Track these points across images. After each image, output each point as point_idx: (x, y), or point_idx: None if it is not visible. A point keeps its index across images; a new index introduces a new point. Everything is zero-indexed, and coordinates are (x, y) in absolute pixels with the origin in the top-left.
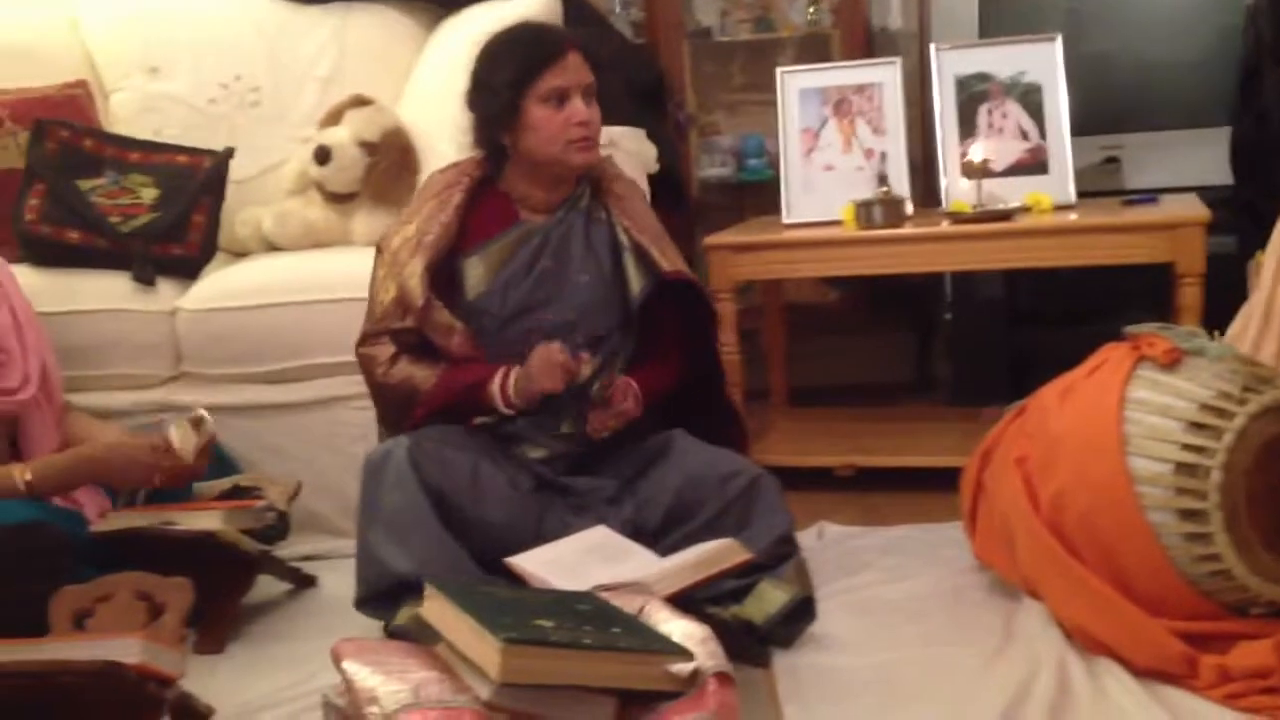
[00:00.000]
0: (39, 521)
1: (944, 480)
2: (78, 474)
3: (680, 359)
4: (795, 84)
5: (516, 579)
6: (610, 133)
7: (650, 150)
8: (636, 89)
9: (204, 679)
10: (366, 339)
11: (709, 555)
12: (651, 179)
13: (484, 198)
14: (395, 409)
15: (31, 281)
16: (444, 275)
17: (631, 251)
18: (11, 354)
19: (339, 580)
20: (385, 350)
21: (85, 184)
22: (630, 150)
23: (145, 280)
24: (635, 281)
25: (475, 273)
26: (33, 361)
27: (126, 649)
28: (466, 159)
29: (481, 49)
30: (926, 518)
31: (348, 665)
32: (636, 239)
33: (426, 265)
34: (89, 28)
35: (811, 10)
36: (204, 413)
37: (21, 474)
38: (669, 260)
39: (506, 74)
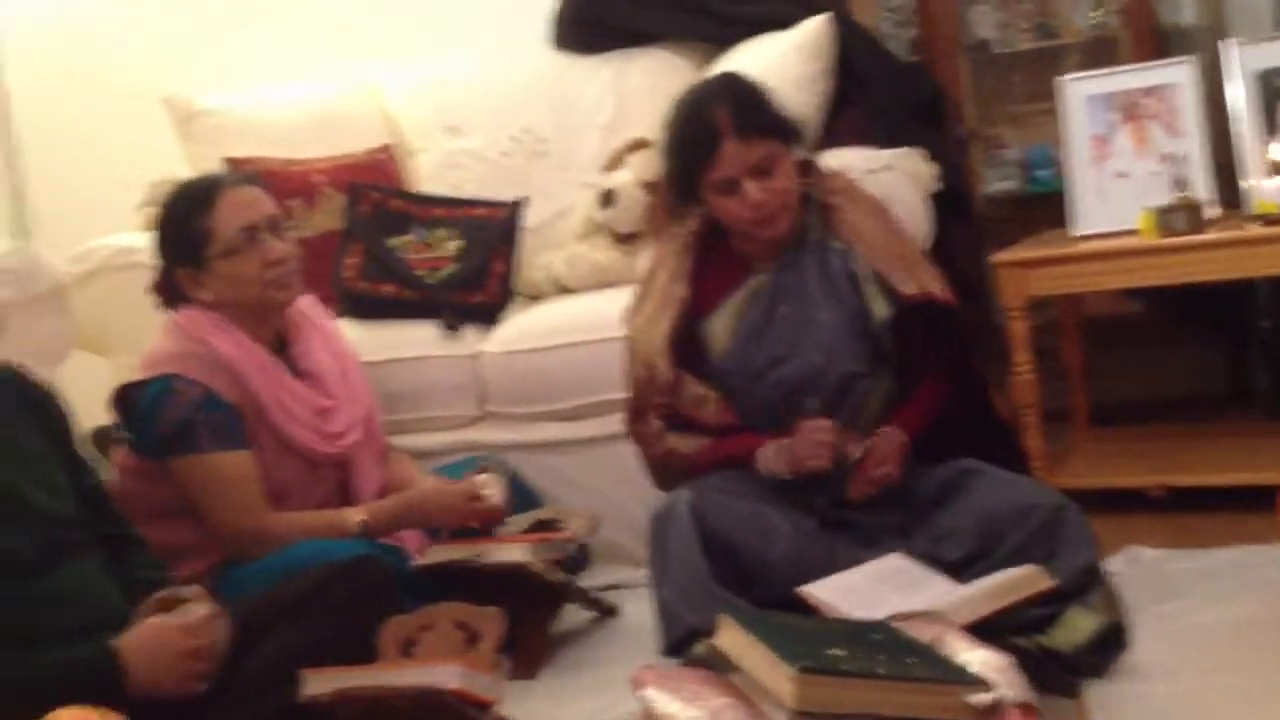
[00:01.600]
0: (368, 557)
1: (1264, 499)
2: (403, 518)
3: (941, 384)
4: (1079, 91)
5: (809, 610)
6: (885, 155)
7: (929, 169)
8: (913, 107)
9: (519, 703)
10: (632, 417)
11: (1010, 583)
12: (934, 198)
13: (713, 257)
14: (667, 480)
15: (352, 334)
16: (688, 345)
17: (870, 279)
18: (339, 402)
19: (639, 609)
20: (652, 426)
21: (395, 241)
22: (907, 171)
23: (451, 328)
24: (879, 310)
25: (717, 335)
26: (357, 408)
27: (447, 675)
28: (689, 221)
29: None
30: (1246, 539)
31: (649, 692)
32: (874, 265)
33: (669, 341)
34: (391, 95)
35: (1096, 13)
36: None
37: (355, 517)
38: (916, 281)
39: (676, 166)
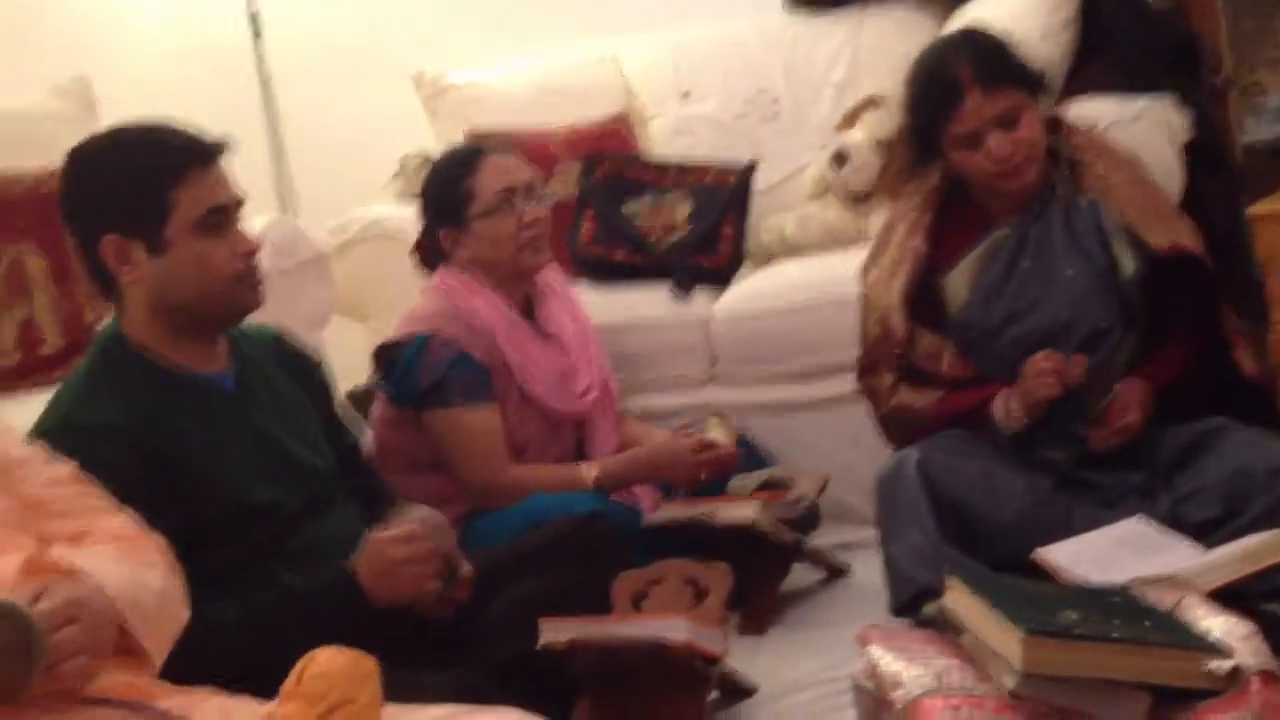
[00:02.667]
0: (599, 513)
1: None
2: (635, 473)
3: (1189, 342)
4: None
5: (1042, 573)
6: (1134, 105)
7: (1181, 119)
8: (1164, 54)
9: (747, 659)
10: (864, 370)
11: (1260, 548)
12: (1186, 149)
13: (952, 212)
14: (899, 435)
15: (586, 298)
16: (925, 299)
17: (1119, 233)
18: (580, 363)
19: (868, 568)
20: (884, 380)
21: (628, 207)
22: (1158, 121)
23: (683, 291)
24: (1127, 265)
25: (955, 290)
26: (596, 370)
27: (676, 628)
28: (928, 177)
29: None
30: None
31: (873, 650)
32: (1123, 219)
33: (904, 296)
34: (627, 62)
35: None
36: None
37: (589, 472)
38: (1167, 235)
39: (918, 122)
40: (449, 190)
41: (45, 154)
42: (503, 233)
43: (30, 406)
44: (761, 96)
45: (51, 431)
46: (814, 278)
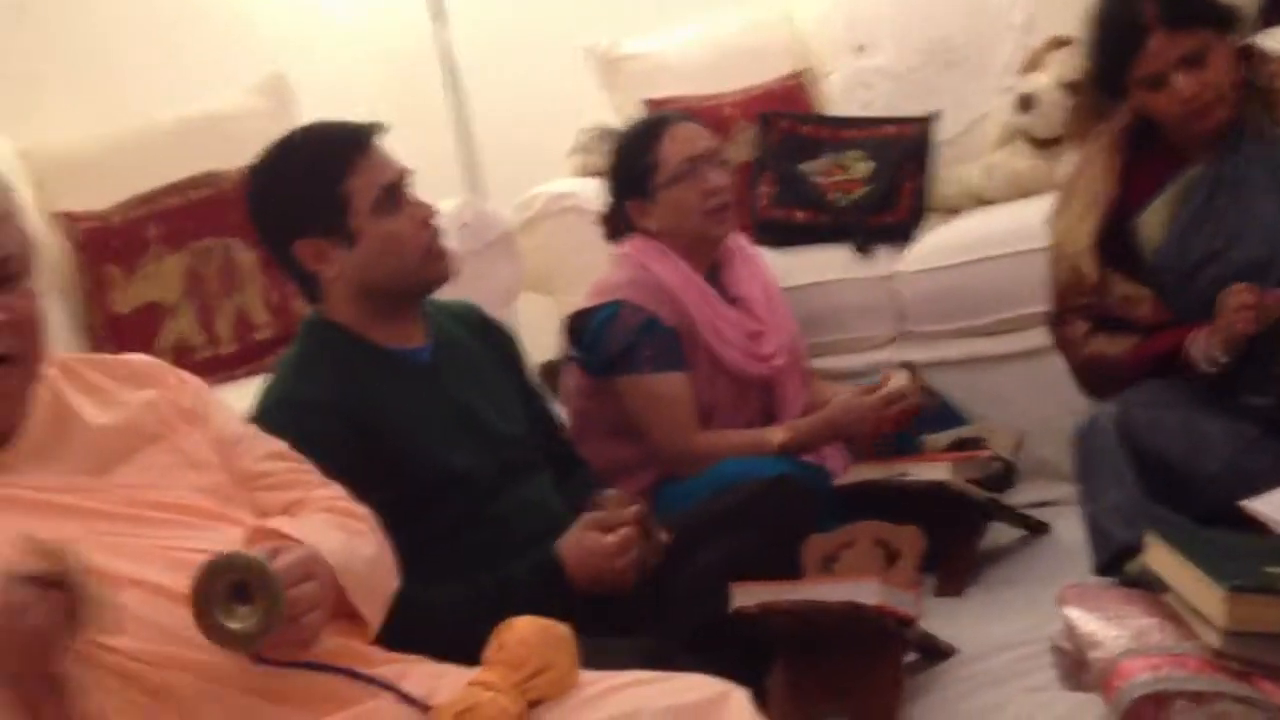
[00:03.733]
0: (789, 476)
1: None
2: (821, 434)
3: None
4: None
5: (1253, 526)
6: None
7: None
8: None
9: (944, 621)
10: (1056, 320)
11: None
12: None
13: (1143, 153)
14: (1094, 385)
15: (769, 261)
16: (1117, 244)
17: None
18: (767, 326)
19: (1070, 526)
20: (1077, 329)
21: (806, 166)
22: None
23: (864, 249)
24: None
25: (1149, 232)
26: (783, 333)
27: (869, 591)
28: (1117, 117)
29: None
30: None
31: (1071, 611)
32: None
33: (1095, 241)
34: (799, 20)
35: None
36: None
37: (774, 436)
38: None
39: (1100, 64)
40: (634, 161)
41: (249, 151)
42: (688, 201)
43: (247, 391)
44: (938, 45)
45: (265, 411)
46: (1003, 228)
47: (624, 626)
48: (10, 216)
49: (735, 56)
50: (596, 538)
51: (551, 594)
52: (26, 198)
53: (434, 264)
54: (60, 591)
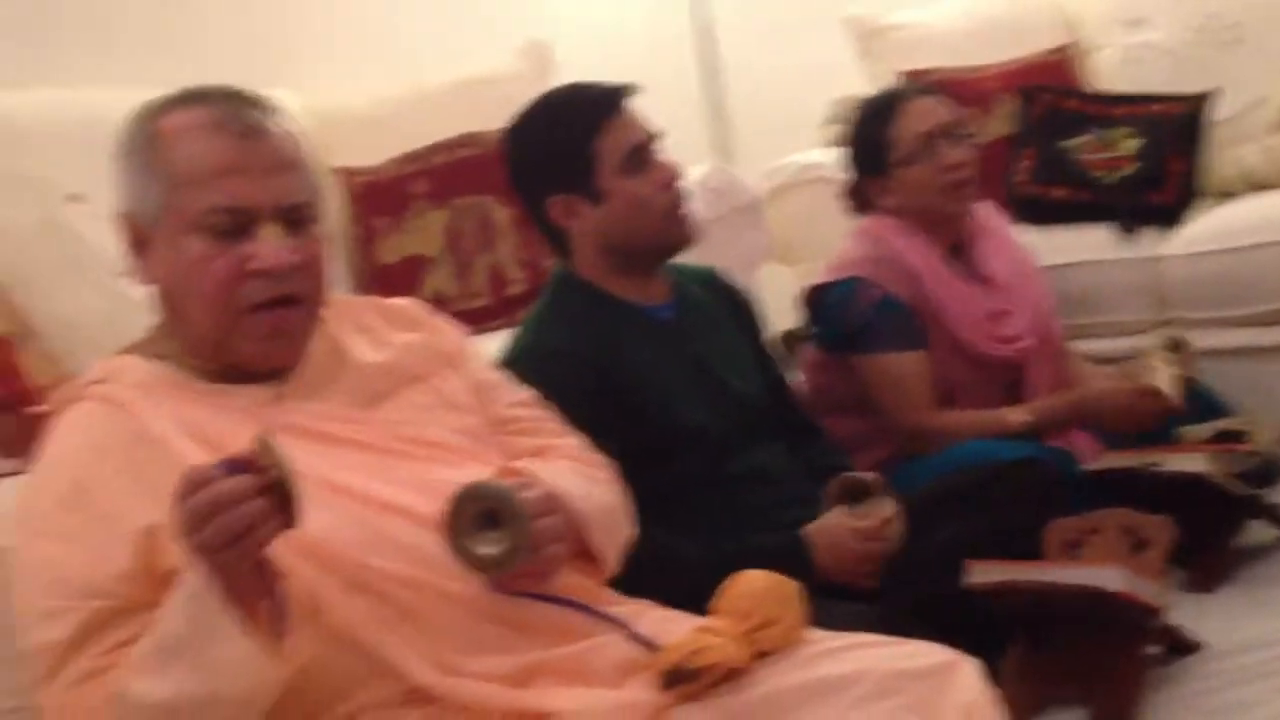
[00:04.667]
0: (1033, 458)
1: None
2: (1068, 417)
3: None
4: None
5: None
6: None
7: None
8: None
9: (1193, 616)
10: None
11: None
12: None
13: None
14: None
15: (1025, 239)
16: None
17: None
18: (1013, 306)
19: None
20: None
21: (1069, 142)
22: None
23: (1128, 230)
24: None
25: None
26: (1032, 314)
27: (1112, 577)
28: None
29: None
30: None
31: None
32: None
33: None
34: None
35: None
36: (1183, 337)
37: (1013, 416)
38: None
39: None
40: (869, 139)
41: (510, 113)
42: (925, 178)
43: (499, 341)
44: (1216, 21)
45: (514, 360)
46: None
47: (856, 593)
48: (303, 165)
49: (1000, 28)
50: (852, 534)
51: (792, 574)
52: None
53: (675, 226)
54: (269, 482)
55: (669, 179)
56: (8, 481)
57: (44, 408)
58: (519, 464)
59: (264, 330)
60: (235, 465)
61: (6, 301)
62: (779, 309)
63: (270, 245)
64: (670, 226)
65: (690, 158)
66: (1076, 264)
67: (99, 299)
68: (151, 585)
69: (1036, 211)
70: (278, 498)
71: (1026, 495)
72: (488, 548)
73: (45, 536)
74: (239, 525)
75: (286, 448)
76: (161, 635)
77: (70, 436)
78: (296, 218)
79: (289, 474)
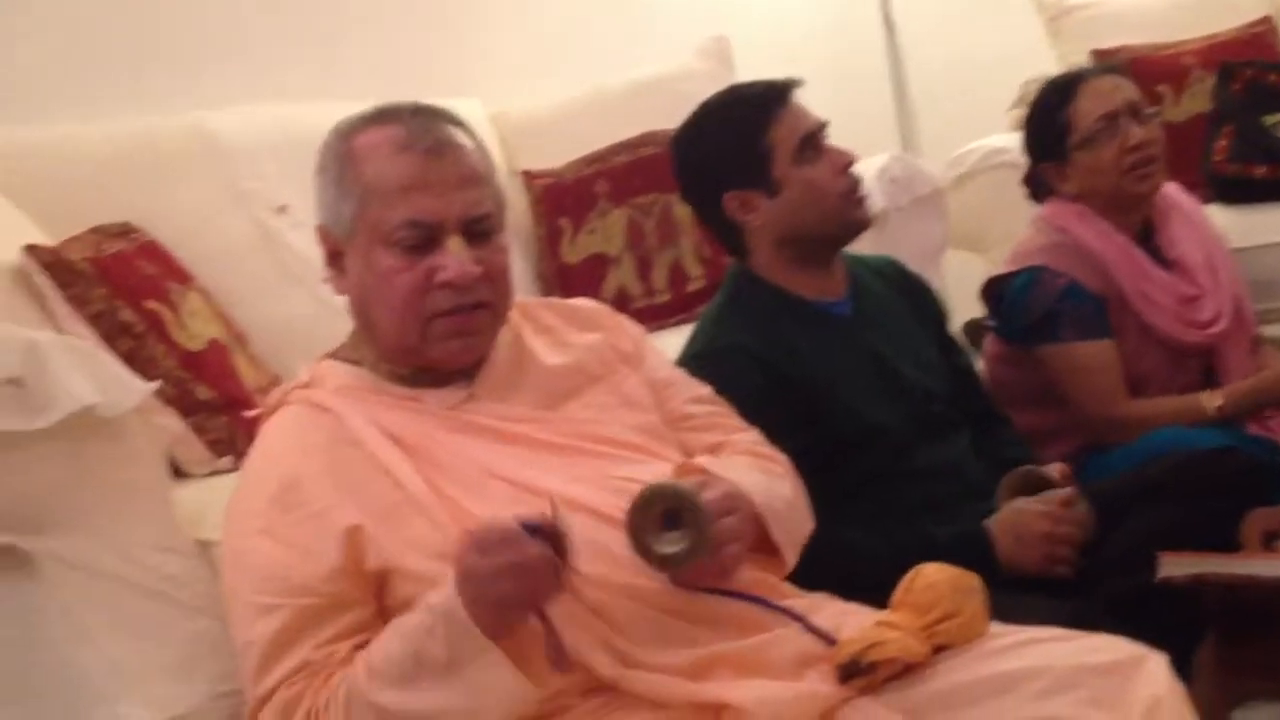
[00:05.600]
0: (1230, 447)
1: None
2: (1264, 400)
3: None
4: None
5: None
6: None
7: None
8: None
9: None
10: None
11: None
12: None
13: None
14: None
15: (1220, 219)
16: None
17: None
18: (1206, 290)
19: None
20: None
21: (1271, 119)
22: None
23: None
24: None
25: None
26: (1226, 297)
27: None
28: None
29: None
30: None
31: None
32: None
33: None
34: None
35: None
36: None
37: (1211, 401)
38: None
39: None
40: (1047, 123)
41: (689, 111)
42: (1105, 160)
43: (678, 338)
44: None
45: (691, 357)
46: None
47: (1043, 587)
48: (490, 178)
49: (1195, 3)
50: (1034, 526)
51: (973, 568)
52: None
53: (853, 209)
54: (553, 541)
55: (844, 164)
56: (221, 480)
57: (255, 411)
58: (699, 461)
59: (449, 330)
60: (533, 527)
61: (222, 308)
62: (964, 299)
63: (455, 258)
64: (847, 210)
65: (874, 148)
66: (1273, 245)
67: (305, 306)
68: (356, 583)
69: (1235, 190)
70: (560, 552)
71: (1224, 484)
72: (669, 546)
73: (257, 534)
74: (536, 587)
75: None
76: (411, 652)
77: (279, 438)
78: (481, 229)
79: (569, 541)
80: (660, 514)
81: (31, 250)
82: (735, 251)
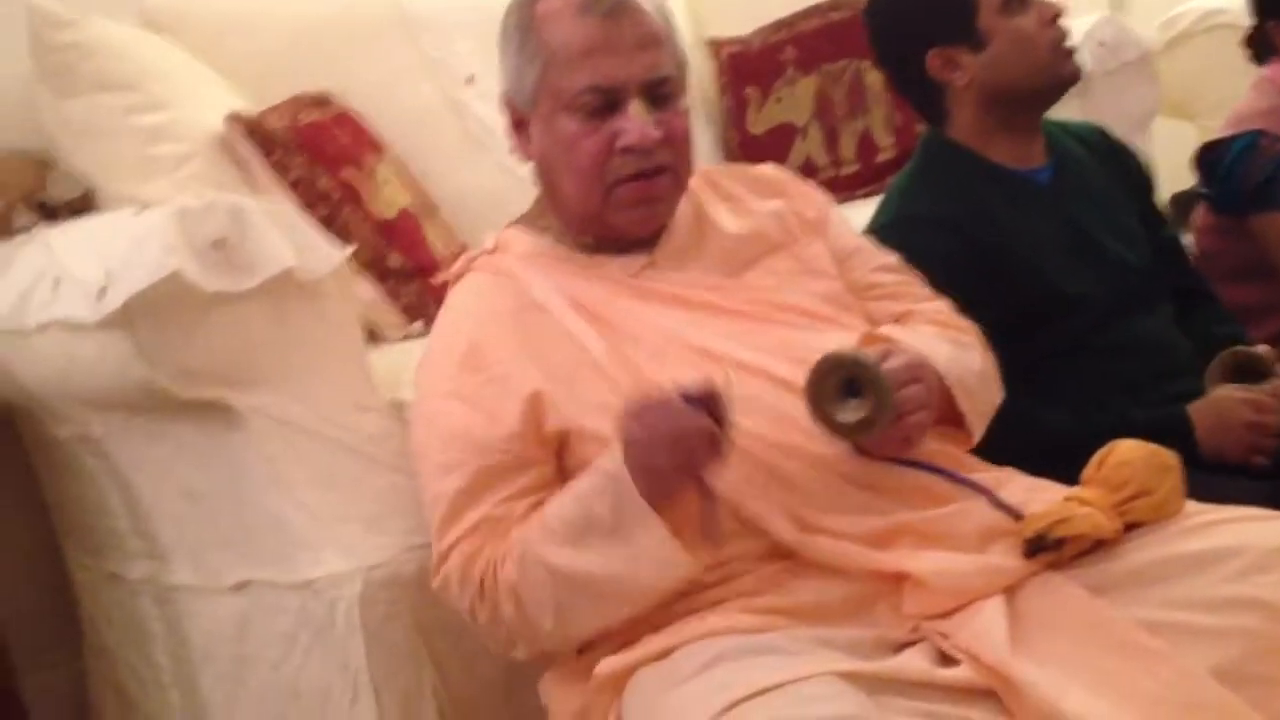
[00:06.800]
0: None
1: None
2: None
3: None
4: None
5: None
6: None
7: None
8: None
9: None
10: None
11: None
12: None
13: None
14: None
15: None
16: None
17: None
18: None
19: None
20: None
21: None
22: None
23: None
24: None
25: None
26: None
27: None
28: None
29: None
30: None
31: None
32: None
33: None
34: None
35: None
36: None
37: None
38: None
39: None
40: None
41: None
42: None
43: (865, 210)
44: None
45: (881, 225)
46: None
47: (1242, 472)
48: (670, 39)
49: None
50: (1238, 414)
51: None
52: (682, 24)
53: (1062, 61)
54: (713, 410)
55: (1051, 14)
56: (414, 344)
57: (443, 276)
58: (884, 330)
59: (632, 198)
60: (693, 398)
61: (413, 177)
62: (1174, 168)
63: (636, 122)
64: (1056, 62)
65: (1081, 8)
66: None
67: (492, 175)
68: (536, 444)
69: None
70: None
71: None
72: (848, 415)
73: (445, 395)
74: (692, 457)
75: (731, 392)
76: (582, 513)
77: (466, 303)
78: (662, 92)
79: (730, 416)
80: (840, 382)
81: (234, 119)
82: (933, 118)
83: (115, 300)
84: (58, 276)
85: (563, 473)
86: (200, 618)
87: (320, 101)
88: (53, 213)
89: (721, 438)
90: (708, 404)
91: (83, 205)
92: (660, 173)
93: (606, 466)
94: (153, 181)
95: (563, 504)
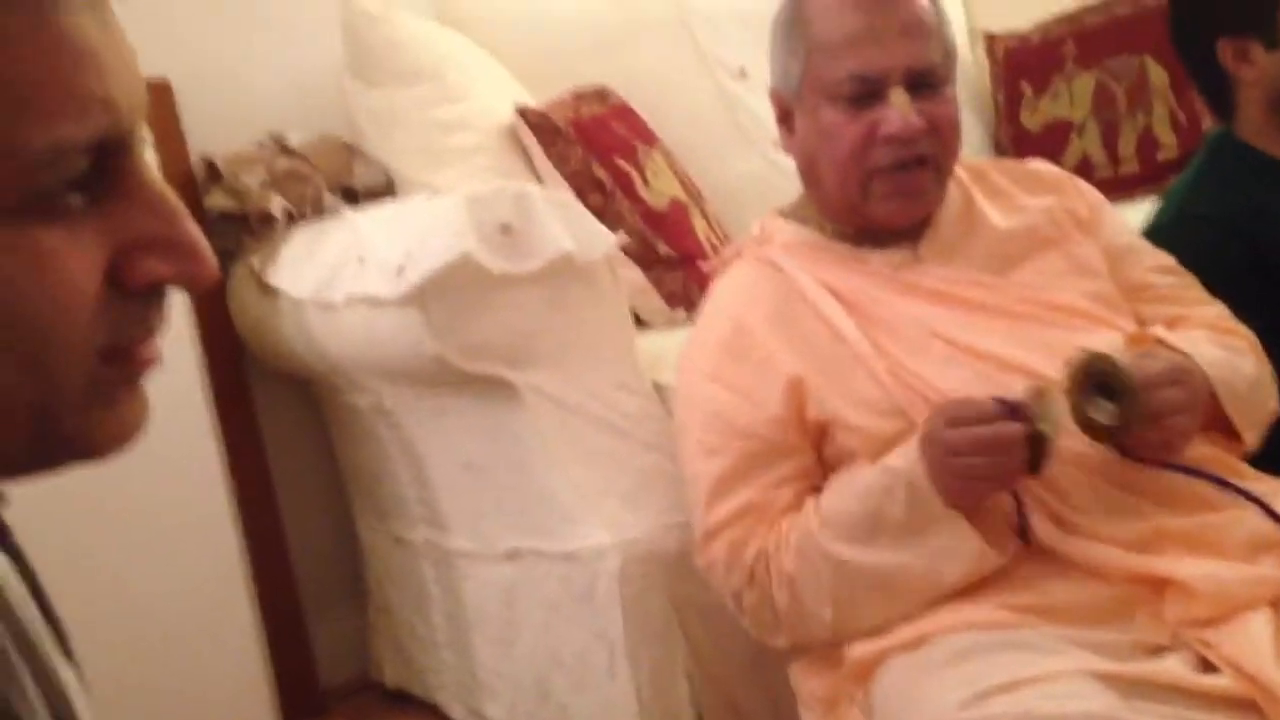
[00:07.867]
0: None
1: None
2: None
3: None
4: None
5: None
6: None
7: None
8: None
9: None
10: None
11: None
12: None
13: None
14: None
15: None
16: None
17: None
18: None
19: None
20: None
21: None
22: None
23: None
24: None
25: None
26: None
27: None
28: None
29: None
30: None
31: None
32: None
33: None
34: None
35: None
36: None
37: None
38: None
39: None
40: None
41: None
42: None
43: (1145, 209)
44: None
45: (1159, 225)
46: None
47: None
48: (938, 28)
49: None
50: None
51: None
52: (956, 16)
53: None
54: (1030, 432)
55: None
56: (677, 330)
57: (713, 263)
58: (1151, 331)
59: (890, 190)
60: (1010, 408)
61: (682, 168)
62: None
63: (898, 111)
64: None
65: None
66: None
67: (758, 167)
68: (798, 430)
69: None
70: (1033, 446)
71: None
72: (1101, 415)
73: (708, 379)
74: (1000, 470)
75: (1060, 405)
76: (870, 511)
77: (731, 290)
78: (927, 81)
79: (1054, 433)
80: (1095, 382)
81: (522, 112)
82: (1221, 111)
83: (412, 279)
84: (362, 255)
85: (822, 462)
86: (474, 582)
87: (600, 95)
88: (354, 196)
89: (1039, 450)
90: (1023, 416)
91: (383, 191)
92: (921, 164)
93: (896, 465)
94: (445, 170)
95: (844, 498)
